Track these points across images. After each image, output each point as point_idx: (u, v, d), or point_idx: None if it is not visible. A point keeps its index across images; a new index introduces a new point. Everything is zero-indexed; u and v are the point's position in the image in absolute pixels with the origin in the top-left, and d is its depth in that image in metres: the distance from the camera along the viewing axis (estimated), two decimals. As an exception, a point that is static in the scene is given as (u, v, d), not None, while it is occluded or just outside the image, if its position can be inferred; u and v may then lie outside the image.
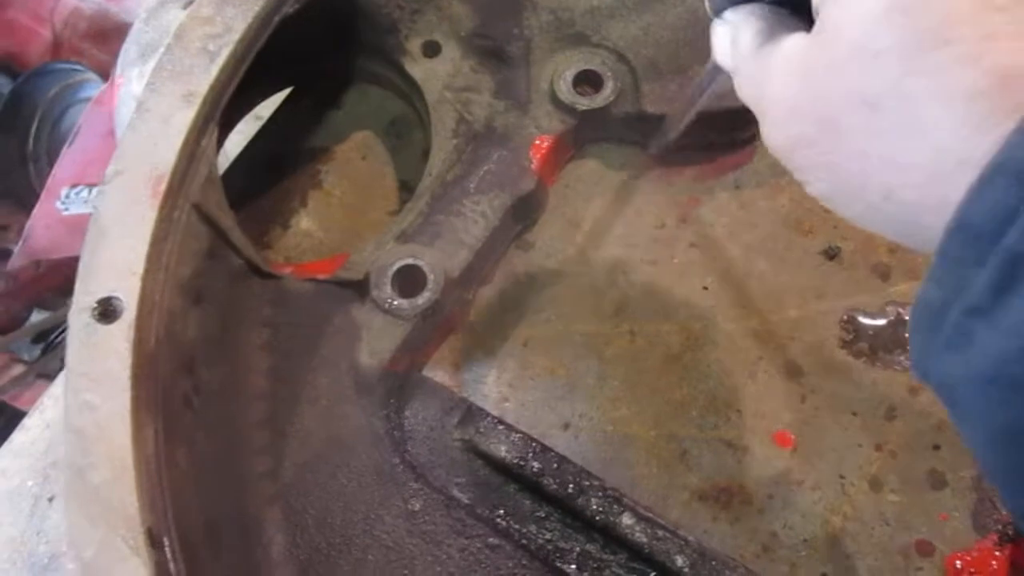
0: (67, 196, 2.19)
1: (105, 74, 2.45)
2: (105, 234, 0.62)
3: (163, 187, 0.63)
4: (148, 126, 0.65)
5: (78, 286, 0.60)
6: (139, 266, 0.60)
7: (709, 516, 0.75)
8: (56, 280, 2.65)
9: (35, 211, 2.15)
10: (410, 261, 0.76)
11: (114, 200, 0.63)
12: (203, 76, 0.66)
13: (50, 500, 0.83)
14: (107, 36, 2.55)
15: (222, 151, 0.84)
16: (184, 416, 0.64)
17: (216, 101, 0.67)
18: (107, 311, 0.60)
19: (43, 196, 2.13)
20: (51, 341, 2.59)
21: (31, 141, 2.50)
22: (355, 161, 0.93)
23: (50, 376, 2.57)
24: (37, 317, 2.69)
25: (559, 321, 0.83)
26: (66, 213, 2.22)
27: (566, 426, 0.78)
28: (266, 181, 0.92)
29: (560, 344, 0.82)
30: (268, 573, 0.67)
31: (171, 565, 0.55)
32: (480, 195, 0.80)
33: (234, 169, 0.92)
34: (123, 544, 0.54)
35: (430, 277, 0.75)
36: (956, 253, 0.34)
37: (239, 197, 0.81)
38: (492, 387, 0.80)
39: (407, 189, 0.91)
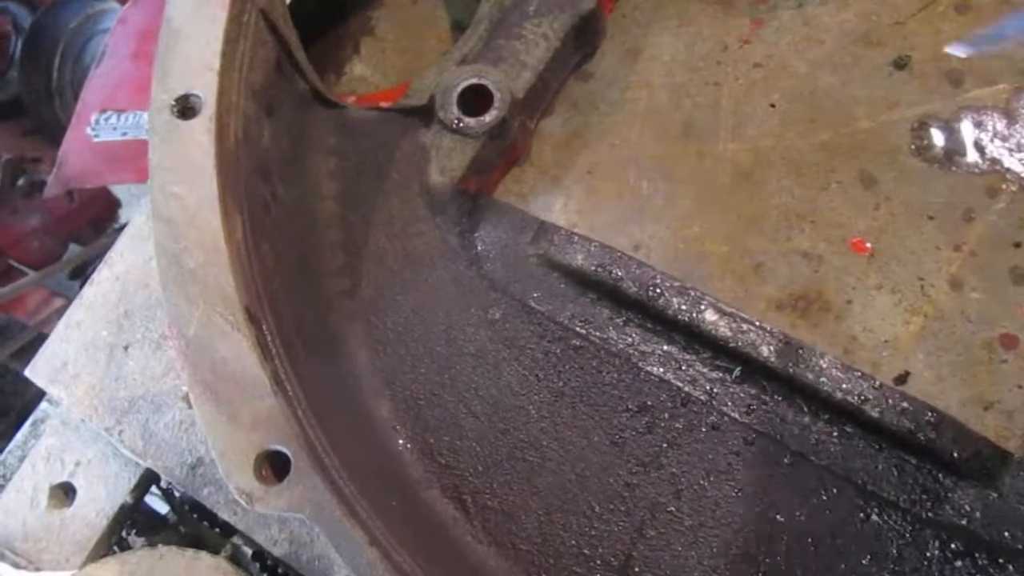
0: (97, 123, 2.19)
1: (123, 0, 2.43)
2: (178, 34, 0.61)
3: (232, -11, 0.62)
4: (212, -70, 0.63)
5: (155, 85, 0.60)
6: (215, 63, 0.60)
7: (787, 324, 0.74)
8: (89, 214, 2.66)
9: (66, 138, 2.15)
10: (475, 80, 0.75)
11: (184, 2, 0.62)
12: None
13: (126, 348, 0.84)
14: (124, -36, 2.52)
15: None
16: (265, 218, 0.64)
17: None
18: (186, 108, 0.59)
19: (73, 123, 2.12)
20: (87, 275, 2.61)
21: (55, 74, 2.50)
22: (406, 6, 0.92)
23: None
24: (72, 254, 2.71)
25: (624, 147, 0.82)
26: (96, 140, 2.22)
27: (636, 247, 0.78)
28: (318, 30, 0.91)
29: (626, 169, 0.81)
30: (355, 383, 0.68)
31: (269, 340, 0.55)
32: (540, 17, 0.79)
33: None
34: (223, 321, 0.54)
35: (496, 95, 0.74)
36: None
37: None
38: (559, 214, 0.80)
39: (460, 29, 0.89)
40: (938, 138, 0.78)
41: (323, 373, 0.64)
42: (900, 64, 0.81)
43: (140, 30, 2.03)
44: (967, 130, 0.78)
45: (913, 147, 0.78)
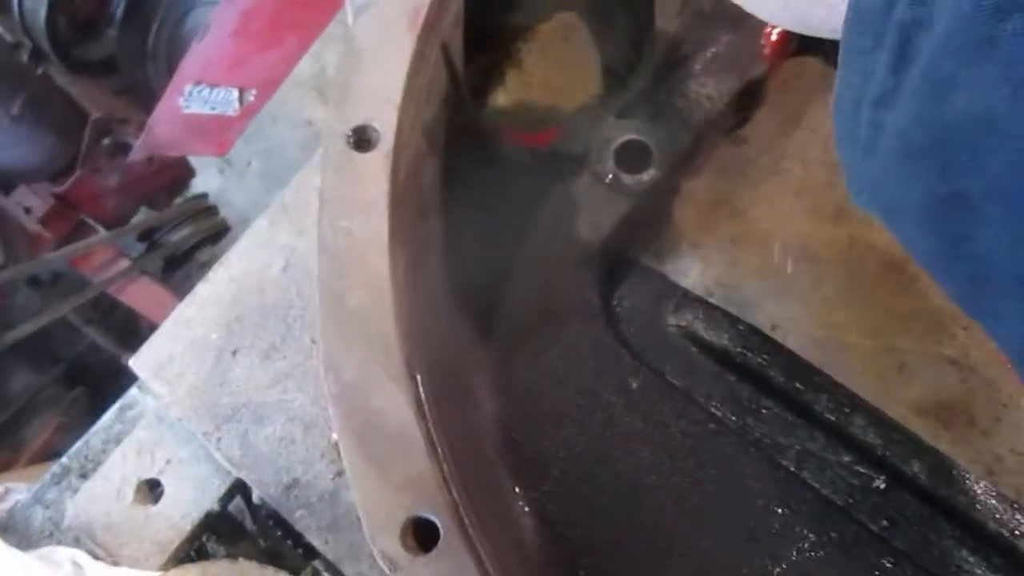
0: (189, 94, 2.20)
1: (231, -24, 2.44)
2: (361, 58, 0.59)
3: (420, 20, 0.60)
4: (405, -44, 0.62)
5: (333, 110, 0.58)
6: (396, 96, 0.58)
7: (929, 433, 0.70)
8: (165, 179, 2.69)
9: (159, 106, 2.16)
10: (634, 136, 0.72)
11: (372, 26, 0.60)
12: (463, -90, 0.63)
13: (233, 353, 0.82)
14: (234, -61, 2.53)
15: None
16: (420, 261, 0.62)
17: (473, -62, 0.64)
18: (362, 140, 0.57)
19: (168, 92, 2.14)
20: (155, 239, 2.64)
21: (151, 38, 2.52)
22: (557, 42, 0.89)
23: (152, 274, 2.62)
24: (142, 217, 2.74)
25: (771, 220, 0.79)
26: (186, 111, 2.24)
27: (774, 327, 0.75)
28: (461, 39, 0.89)
29: (771, 243, 0.78)
30: (480, 434, 0.66)
31: (423, 396, 0.53)
32: (706, 77, 0.76)
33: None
34: (381, 370, 0.52)
35: (656, 154, 0.72)
36: (857, 46, 0.36)
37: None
38: (697, 281, 0.77)
39: (611, 75, 0.87)
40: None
41: (460, 428, 0.62)
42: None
43: (245, 10, 2.03)
44: None
45: (1082, 264, 0.74)
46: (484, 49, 0.88)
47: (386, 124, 0.57)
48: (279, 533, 0.83)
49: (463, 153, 0.73)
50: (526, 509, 0.64)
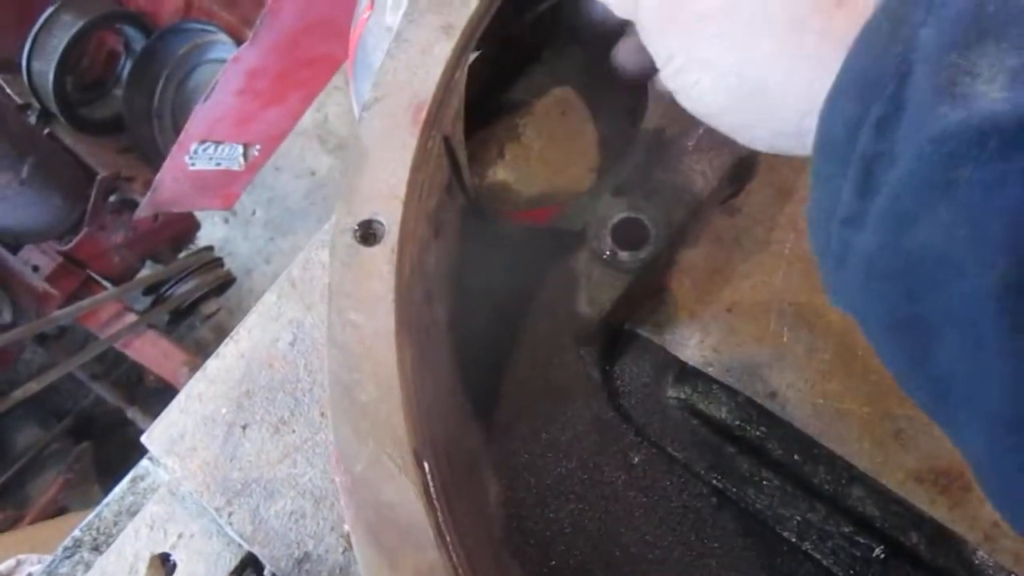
0: (195, 151, 2.24)
1: (234, 35, 2.50)
2: (367, 156, 0.62)
3: (423, 115, 0.63)
4: (407, 55, 0.65)
5: (341, 206, 0.60)
6: (401, 191, 0.60)
7: (926, 499, 0.72)
8: (170, 233, 2.72)
9: (165, 164, 2.20)
10: (631, 214, 0.75)
11: (376, 124, 0.63)
12: (462, 8, 0.66)
13: (244, 428, 0.84)
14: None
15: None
16: (427, 347, 0.64)
17: (472, 34, 0.66)
18: (368, 234, 0.60)
19: (174, 150, 2.18)
20: (161, 293, 2.66)
21: (157, 97, 2.58)
22: (554, 116, 0.92)
23: (158, 327, 2.65)
24: (148, 271, 2.77)
25: (766, 289, 0.81)
26: (192, 168, 2.28)
27: (773, 395, 0.76)
28: (463, 131, 0.91)
29: (767, 312, 0.80)
30: (485, 515, 0.67)
31: (431, 487, 0.55)
32: (700, 153, 0.78)
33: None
34: (391, 462, 0.54)
35: (652, 231, 0.74)
36: (825, 170, 0.38)
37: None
38: (695, 350, 0.79)
39: (608, 147, 0.89)
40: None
41: (468, 511, 0.63)
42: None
43: (251, 69, 2.08)
44: None
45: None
46: (484, 124, 0.91)
47: (391, 218, 0.60)
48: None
49: (467, 234, 0.76)
50: (535, 585, 0.65)
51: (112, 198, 2.43)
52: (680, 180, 0.77)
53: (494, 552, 0.66)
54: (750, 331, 0.79)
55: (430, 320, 0.65)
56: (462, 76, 0.67)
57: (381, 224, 0.60)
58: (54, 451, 2.84)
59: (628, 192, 0.77)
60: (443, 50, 0.64)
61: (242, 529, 0.81)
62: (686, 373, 0.73)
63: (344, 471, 0.53)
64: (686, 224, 0.77)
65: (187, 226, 2.79)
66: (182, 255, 2.80)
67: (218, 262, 2.80)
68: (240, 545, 0.83)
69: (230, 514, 0.81)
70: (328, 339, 0.57)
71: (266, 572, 0.82)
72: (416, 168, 0.62)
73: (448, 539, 0.52)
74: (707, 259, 0.83)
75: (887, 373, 0.76)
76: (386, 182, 0.61)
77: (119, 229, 2.51)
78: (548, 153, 0.90)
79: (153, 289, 2.69)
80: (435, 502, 0.53)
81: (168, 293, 2.65)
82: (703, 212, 0.81)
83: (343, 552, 0.78)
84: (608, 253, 0.74)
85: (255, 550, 0.80)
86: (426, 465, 0.55)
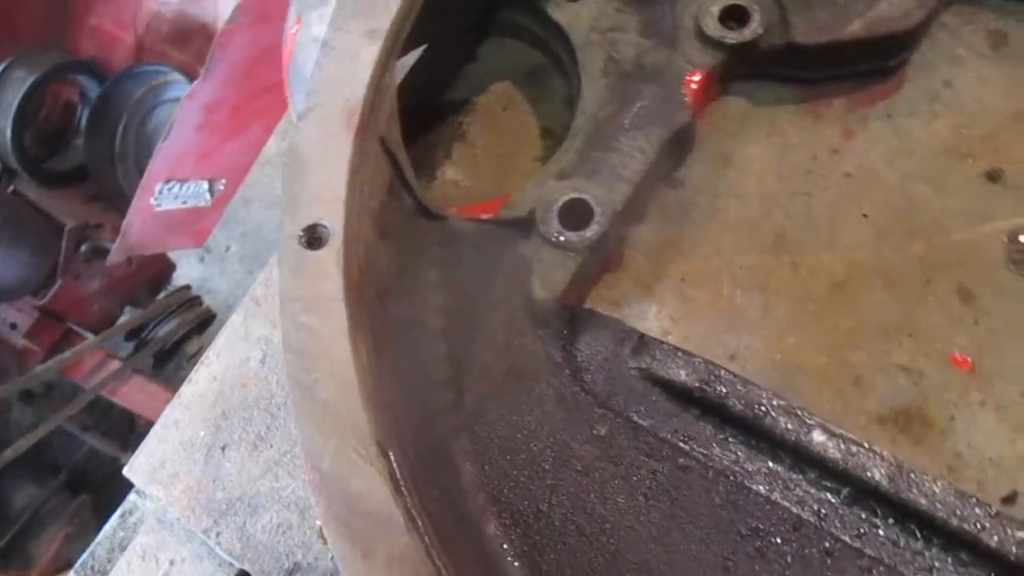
0: (160, 192, 2.25)
1: (188, 73, 2.51)
2: (305, 166, 0.63)
3: (356, 119, 0.64)
4: (336, 63, 0.66)
5: (284, 216, 0.62)
6: (342, 193, 0.62)
7: (888, 439, 0.74)
8: (145, 277, 2.73)
9: (131, 207, 2.21)
10: (575, 195, 0.77)
11: (311, 133, 0.64)
12: (384, 12, 0.68)
13: (223, 449, 0.85)
14: (188, 37, 2.61)
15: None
16: (383, 343, 0.65)
17: (397, 36, 0.68)
18: (313, 238, 0.61)
19: (139, 192, 2.19)
20: (143, 337, 2.67)
21: (118, 142, 2.58)
22: (496, 112, 0.94)
23: (144, 371, 2.65)
24: (128, 316, 2.76)
25: (716, 256, 0.83)
26: (159, 209, 2.29)
27: (732, 357, 0.78)
28: (410, 135, 0.93)
29: (719, 278, 0.82)
30: (462, 499, 0.68)
31: (398, 474, 0.56)
32: (636, 131, 0.81)
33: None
34: (356, 455, 0.55)
35: (597, 210, 0.76)
36: None
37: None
38: (653, 322, 0.81)
39: (550, 136, 0.92)
40: (1034, 250, 0.78)
41: (440, 495, 0.65)
42: (993, 176, 0.81)
43: (207, 104, 2.09)
44: (1065, 244, 0.78)
45: (1010, 261, 0.78)
46: (429, 127, 0.93)
47: (335, 221, 0.62)
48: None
49: (418, 233, 0.77)
50: (516, 564, 0.67)
51: (83, 247, 2.43)
52: (619, 158, 0.79)
53: (471, 533, 0.67)
54: (704, 298, 0.81)
55: (385, 317, 0.67)
56: (392, 78, 0.68)
57: (325, 227, 0.61)
58: (53, 507, 2.83)
59: (570, 175, 0.79)
60: (370, 54, 0.66)
61: (231, 548, 0.82)
62: (645, 344, 0.74)
63: (311, 468, 0.55)
64: (631, 200, 0.79)
65: (162, 268, 2.80)
66: (160, 297, 2.80)
67: (196, 300, 2.80)
68: (231, 564, 0.84)
69: (218, 534, 0.82)
70: (284, 345, 0.59)
71: (257, 586, 0.83)
72: (355, 170, 0.63)
73: (419, 523, 0.54)
74: (656, 233, 0.85)
75: (842, 324, 0.78)
76: (326, 187, 0.62)
77: (94, 277, 2.51)
78: (494, 148, 0.92)
79: (135, 334, 2.69)
80: (403, 489, 0.55)
81: (150, 336, 2.65)
82: (648, 187, 0.83)
83: (332, 558, 0.79)
84: (556, 235, 0.75)
85: (245, 567, 0.81)
86: (391, 454, 0.56)
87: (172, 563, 0.85)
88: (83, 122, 2.64)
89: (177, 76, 2.53)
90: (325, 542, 0.73)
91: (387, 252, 0.70)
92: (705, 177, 0.86)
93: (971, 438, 0.73)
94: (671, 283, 0.83)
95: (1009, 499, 0.70)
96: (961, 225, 0.80)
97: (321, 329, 0.59)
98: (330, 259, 0.60)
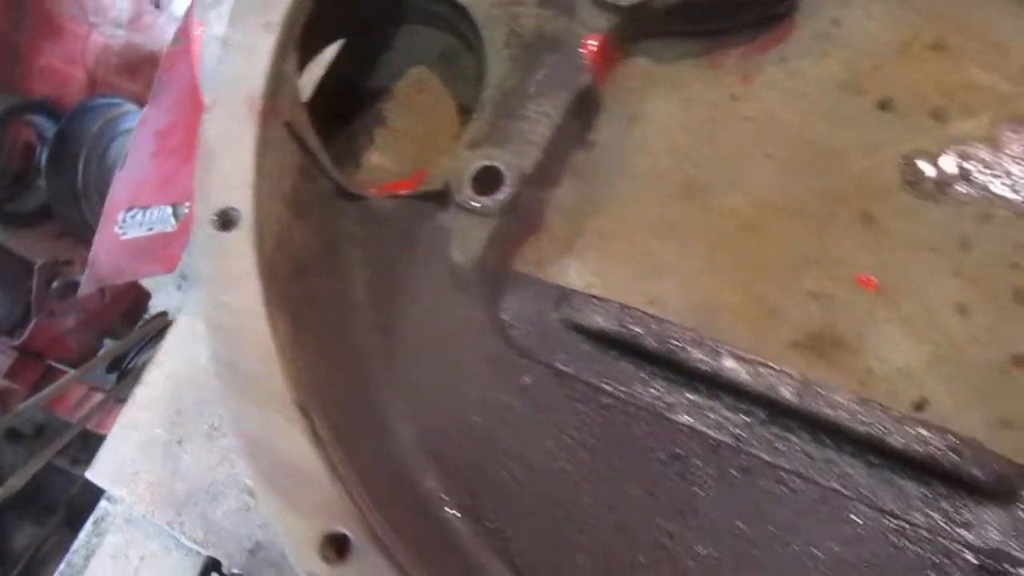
0: (123, 220, 2.28)
1: (142, 103, 2.54)
2: (213, 154, 0.67)
3: (258, 108, 0.68)
4: (235, 57, 0.70)
5: (196, 203, 0.65)
6: (249, 178, 0.65)
7: (804, 363, 0.77)
8: (121, 307, 2.75)
9: (96, 238, 2.23)
10: (486, 162, 0.80)
11: (216, 125, 0.68)
12: (279, 5, 0.71)
13: (179, 443, 0.89)
14: (137, 67, 2.64)
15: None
16: (306, 314, 0.69)
17: (292, 27, 0.72)
18: (226, 221, 0.65)
19: (102, 223, 2.21)
20: (124, 367, 2.69)
21: (80, 177, 2.61)
22: (413, 95, 0.98)
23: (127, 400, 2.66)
24: (107, 347, 2.79)
25: (631, 209, 0.87)
26: (124, 237, 2.31)
27: (651, 302, 0.82)
28: (333, 127, 0.97)
29: (635, 230, 0.86)
30: (402, 459, 0.72)
31: (322, 431, 0.59)
32: (540, 97, 0.84)
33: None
34: (279, 418, 0.59)
35: (506, 174, 0.79)
36: None
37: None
38: (575, 278, 0.84)
39: (466, 113, 0.95)
40: (928, 172, 0.82)
41: (372, 454, 0.68)
42: (884, 106, 0.85)
43: (159, 130, 2.12)
44: (954, 162, 0.82)
45: (905, 183, 0.82)
46: (351, 116, 0.96)
47: (245, 204, 0.65)
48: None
49: (339, 214, 0.81)
50: (456, 515, 0.70)
51: (55, 284, 2.45)
52: (526, 124, 0.83)
53: (410, 492, 0.71)
54: (622, 250, 0.85)
55: (305, 291, 0.70)
56: (292, 67, 0.72)
57: (236, 210, 0.64)
58: (53, 545, 2.85)
59: (481, 144, 0.83)
60: (267, 45, 0.69)
61: (195, 536, 0.85)
62: (564, 295, 0.78)
63: (239, 435, 0.58)
64: (542, 164, 0.83)
65: (137, 297, 2.82)
66: (138, 326, 2.82)
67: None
68: (198, 552, 0.87)
69: (181, 525, 0.86)
70: (206, 324, 0.62)
71: (224, 569, 0.86)
72: (261, 155, 0.67)
73: (344, 475, 0.57)
74: (573, 194, 0.88)
75: (753, 260, 0.82)
76: (234, 173, 0.66)
77: (69, 313, 2.53)
78: (413, 130, 0.95)
79: (116, 364, 2.71)
80: (327, 446, 0.58)
81: (131, 365, 2.68)
82: (559, 151, 0.87)
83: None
84: (470, 202, 0.79)
85: (210, 552, 0.85)
86: (313, 416, 0.59)
87: (143, 559, 0.88)
88: (43, 161, 2.66)
89: (131, 106, 2.55)
90: (254, 498, 0.77)
91: (304, 230, 0.73)
92: (615, 136, 0.90)
93: (880, 352, 0.77)
94: (590, 240, 0.86)
95: (919, 406, 0.74)
96: (858, 155, 0.84)
97: (238, 305, 0.62)
98: (242, 239, 0.64)
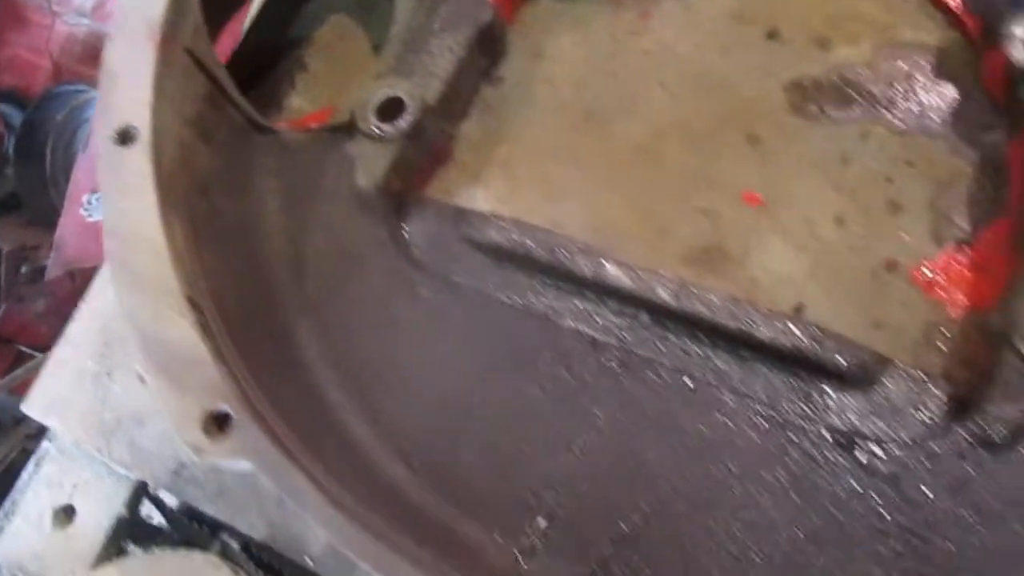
0: (89, 202, 2.31)
1: (106, 88, 2.56)
2: (114, 77, 0.71)
3: (157, 33, 0.72)
4: (136, -12, 0.74)
5: (97, 121, 0.69)
6: (148, 98, 0.69)
7: (694, 275, 0.81)
8: (92, 294, 2.76)
9: (61, 221, 2.26)
10: (389, 92, 0.84)
11: (118, 51, 0.72)
12: (178, -62, 0.75)
13: (109, 374, 0.92)
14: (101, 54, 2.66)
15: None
16: (209, 227, 0.73)
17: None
18: (125, 137, 0.69)
19: (67, 205, 2.24)
20: (97, 352, 2.70)
21: (48, 165, 2.63)
22: (334, 42, 1.02)
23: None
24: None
25: (535, 139, 0.91)
26: (91, 220, 2.34)
27: (553, 224, 0.86)
28: (257, 77, 1.01)
29: (538, 158, 0.90)
30: (306, 369, 0.76)
31: (212, 324, 0.63)
32: (444, 32, 0.88)
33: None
34: (169, 310, 0.62)
35: (408, 103, 0.83)
36: None
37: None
38: (482, 203, 0.88)
39: (380, 51, 0.99)
40: (812, 96, 0.86)
41: (276, 360, 0.72)
42: (772, 35, 0.90)
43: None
44: (837, 86, 0.86)
45: (791, 106, 0.87)
46: (274, 65, 1.00)
47: (143, 121, 0.69)
48: (186, 520, 0.92)
49: (253, 146, 0.85)
50: (357, 420, 0.74)
51: (23, 269, 2.48)
52: (431, 59, 0.87)
53: (316, 401, 0.74)
54: (527, 176, 0.89)
55: (208, 207, 0.74)
56: (193, -3, 0.75)
57: (135, 128, 0.68)
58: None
59: (386, 76, 0.87)
60: (166, -24, 0.73)
61: (122, 459, 0.89)
62: (462, 214, 0.82)
63: (134, 328, 0.62)
64: (446, 95, 0.87)
65: (107, 283, 2.84)
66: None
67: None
68: (127, 477, 0.90)
69: (110, 450, 0.89)
70: (105, 230, 0.66)
71: (150, 489, 0.90)
72: (160, 77, 0.71)
73: (233, 364, 0.61)
74: (481, 127, 0.92)
75: (648, 182, 0.86)
76: (134, 94, 0.70)
77: (38, 298, 2.56)
78: (332, 74, 0.99)
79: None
80: (216, 337, 0.62)
81: (103, 350, 2.70)
82: (465, 85, 0.91)
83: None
84: (373, 129, 0.83)
85: (137, 474, 0.88)
86: (204, 310, 0.63)
87: (75, 486, 0.92)
88: (10, 151, 2.68)
89: (96, 93, 2.58)
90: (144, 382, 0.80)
91: (211, 155, 0.77)
92: (521, 72, 0.94)
93: (763, 263, 0.81)
94: (496, 168, 0.90)
95: (798, 309, 0.78)
96: (747, 82, 0.89)
97: (134, 212, 0.66)
98: (139, 153, 0.68)
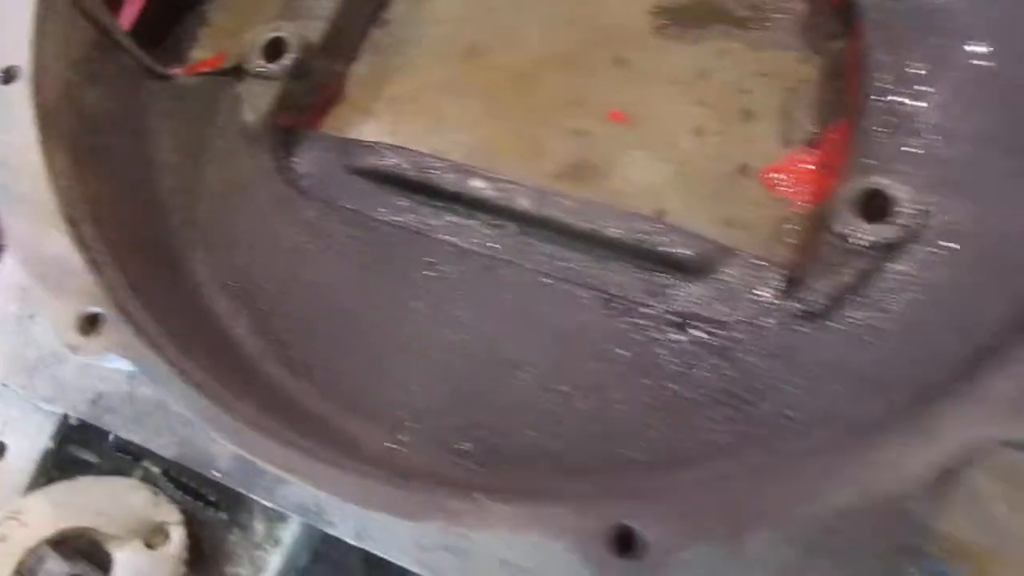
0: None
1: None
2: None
3: (37, -20, 0.77)
4: (18, -63, 0.79)
5: (-18, 64, 0.74)
6: (29, 37, 0.74)
7: (571, 189, 0.87)
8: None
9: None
10: (273, 34, 0.89)
11: (0, -3, 0.77)
12: None
13: (31, 317, 0.98)
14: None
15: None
16: (96, 164, 0.78)
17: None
18: (8, 76, 0.74)
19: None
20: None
21: None
22: (234, -4, 1.07)
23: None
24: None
25: (421, 75, 0.96)
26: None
27: (436, 151, 0.91)
28: (161, 33, 1.06)
29: (424, 92, 0.95)
30: (195, 289, 0.81)
31: (91, 240, 0.69)
32: (325, -23, 0.93)
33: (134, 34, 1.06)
34: (47, 227, 0.68)
35: (292, 42, 0.89)
36: None
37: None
38: (370, 137, 0.93)
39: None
40: (674, 16, 0.92)
41: (162, 276, 0.78)
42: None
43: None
44: (697, 7, 0.92)
45: (654, 29, 0.92)
46: (178, 21, 1.05)
47: (24, 61, 0.74)
48: (113, 452, 0.97)
49: (147, 91, 0.90)
50: (242, 332, 0.80)
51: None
52: (316, 2, 0.92)
53: (209, 323, 0.80)
54: (413, 110, 0.94)
55: (99, 144, 0.79)
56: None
57: (18, 67, 0.74)
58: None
59: (274, 20, 0.92)
60: (45, -75, 0.78)
61: (45, 395, 0.94)
62: (347, 144, 0.88)
63: (15, 246, 0.67)
64: (331, 36, 0.92)
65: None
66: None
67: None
68: (53, 412, 0.96)
69: (34, 387, 0.95)
70: (-9, 161, 0.71)
71: (71, 420, 0.95)
72: (42, 20, 0.76)
73: (102, 268, 0.66)
74: (370, 67, 0.98)
75: (524, 106, 0.92)
76: (16, 36, 0.75)
77: None
78: (232, 27, 1.04)
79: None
80: (92, 247, 0.67)
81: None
82: (353, 27, 0.96)
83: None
84: (258, 68, 0.88)
85: (60, 408, 0.94)
86: (82, 227, 0.69)
87: (5, 423, 0.98)
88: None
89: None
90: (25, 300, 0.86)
91: (101, 96, 0.82)
92: (407, 13, 1.00)
93: (627, 175, 0.86)
94: (384, 104, 0.96)
95: (659, 215, 0.84)
96: (613, 9, 0.94)
97: (17, 142, 0.71)
98: (21, 89, 0.73)
